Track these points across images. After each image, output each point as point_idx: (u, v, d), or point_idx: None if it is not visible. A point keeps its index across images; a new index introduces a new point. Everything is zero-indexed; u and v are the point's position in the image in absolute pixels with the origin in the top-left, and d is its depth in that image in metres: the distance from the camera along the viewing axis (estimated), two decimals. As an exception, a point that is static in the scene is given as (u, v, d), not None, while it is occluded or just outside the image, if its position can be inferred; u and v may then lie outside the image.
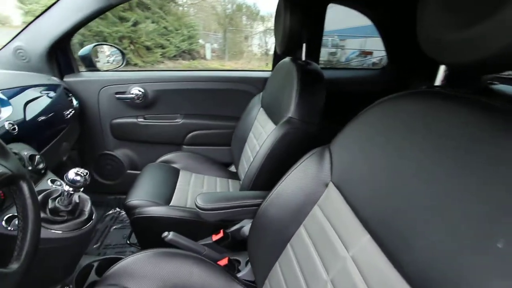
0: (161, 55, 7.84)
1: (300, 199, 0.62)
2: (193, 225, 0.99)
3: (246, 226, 0.91)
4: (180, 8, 8.90)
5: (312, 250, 0.55)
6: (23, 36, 1.12)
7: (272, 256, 0.66)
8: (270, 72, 1.51)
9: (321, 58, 1.50)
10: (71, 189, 0.71)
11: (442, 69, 0.46)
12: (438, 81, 0.47)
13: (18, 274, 0.44)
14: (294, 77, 0.93)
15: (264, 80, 1.31)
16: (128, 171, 1.49)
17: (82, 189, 0.76)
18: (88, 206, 0.81)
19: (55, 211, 0.74)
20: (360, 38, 6.60)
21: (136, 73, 1.42)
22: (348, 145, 0.57)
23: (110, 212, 1.50)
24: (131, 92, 1.34)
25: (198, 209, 0.79)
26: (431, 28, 0.40)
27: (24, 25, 1.14)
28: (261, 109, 1.19)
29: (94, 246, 1.27)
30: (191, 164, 1.35)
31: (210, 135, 1.48)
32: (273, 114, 1.05)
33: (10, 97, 0.85)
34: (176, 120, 1.44)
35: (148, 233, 1.02)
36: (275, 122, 0.99)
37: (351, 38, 7.08)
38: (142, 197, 1.02)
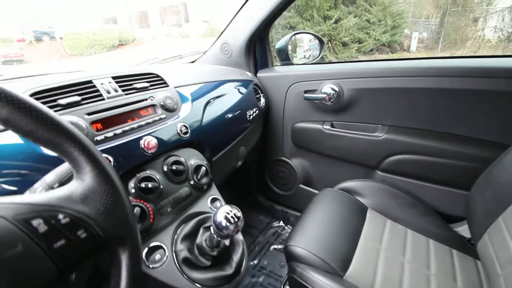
0: (356, 50, 7.35)
1: None
2: None
3: None
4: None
5: None
6: (228, 32, 1.10)
7: None
8: None
9: None
10: (216, 236, 0.49)
11: None
12: None
13: None
14: None
15: None
16: (301, 186, 1.24)
17: (229, 238, 0.54)
18: (239, 253, 0.59)
19: (201, 250, 0.56)
20: None
21: (332, 66, 1.09)
22: None
23: (275, 224, 1.34)
24: (323, 91, 1.03)
25: None
26: None
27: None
28: None
29: (251, 263, 1.13)
30: (386, 203, 0.91)
31: (430, 164, 0.90)
32: None
33: (195, 95, 0.77)
34: (376, 134, 0.98)
35: None
36: None
37: None
38: (310, 246, 0.70)
